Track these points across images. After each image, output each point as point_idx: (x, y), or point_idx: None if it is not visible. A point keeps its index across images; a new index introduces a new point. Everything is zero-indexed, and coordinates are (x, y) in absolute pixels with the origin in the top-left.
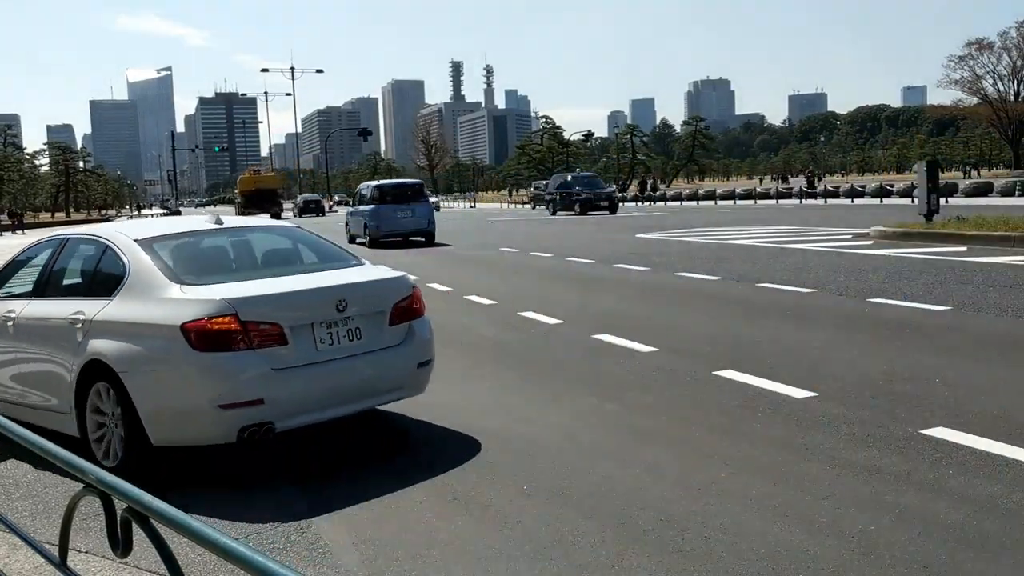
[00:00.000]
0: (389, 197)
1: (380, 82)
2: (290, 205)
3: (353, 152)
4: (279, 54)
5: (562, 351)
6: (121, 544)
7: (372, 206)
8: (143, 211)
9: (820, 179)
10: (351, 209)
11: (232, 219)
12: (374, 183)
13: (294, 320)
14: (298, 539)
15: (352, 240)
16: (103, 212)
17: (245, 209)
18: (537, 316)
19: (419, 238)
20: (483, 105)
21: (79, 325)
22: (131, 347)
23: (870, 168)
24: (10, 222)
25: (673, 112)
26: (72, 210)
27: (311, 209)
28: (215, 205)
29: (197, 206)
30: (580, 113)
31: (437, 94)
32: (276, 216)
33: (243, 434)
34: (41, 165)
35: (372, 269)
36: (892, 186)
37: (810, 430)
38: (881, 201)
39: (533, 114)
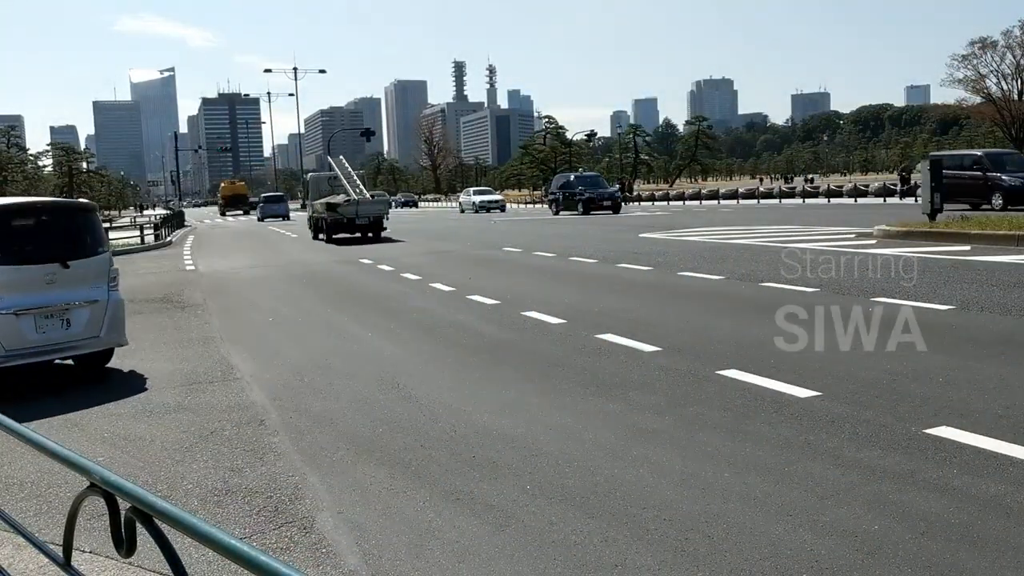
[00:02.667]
0: (267, 200)
1: (383, 82)
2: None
3: (356, 152)
4: (282, 54)
5: (565, 351)
6: (125, 544)
7: (261, 204)
8: (145, 211)
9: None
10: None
11: None
12: (264, 195)
13: None
14: (301, 539)
15: (261, 219)
16: (106, 213)
17: (225, 207)
18: (540, 316)
19: (283, 219)
20: (486, 105)
21: None
22: None
23: (874, 167)
24: None
25: (676, 112)
26: None
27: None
28: (206, 206)
29: (194, 206)
30: (583, 113)
31: (440, 94)
32: (246, 212)
33: None
34: (44, 166)
35: None
36: (896, 185)
37: (814, 429)
38: (884, 200)
39: (536, 114)
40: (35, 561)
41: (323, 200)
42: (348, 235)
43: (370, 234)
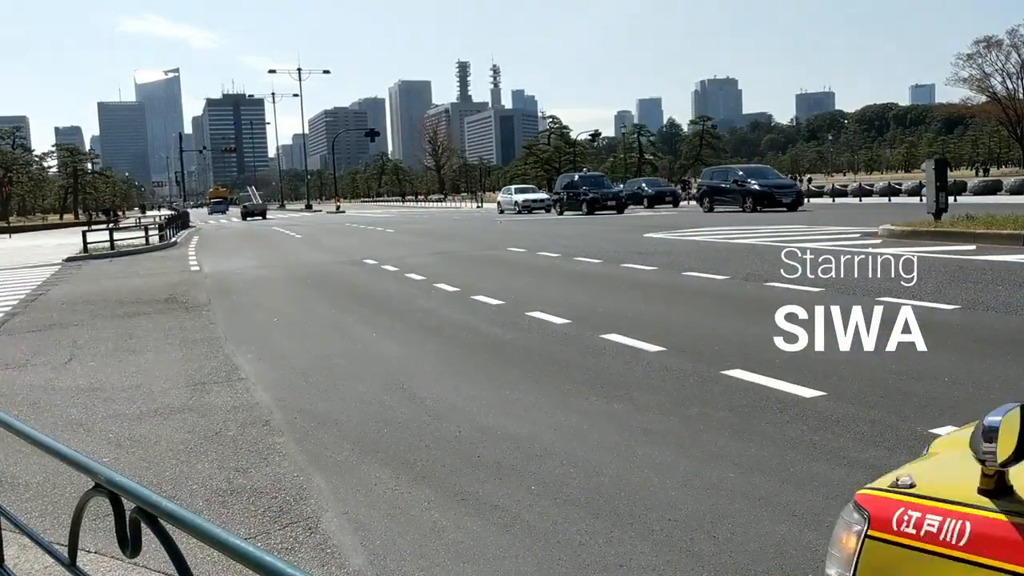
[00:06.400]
0: (215, 202)
1: (387, 82)
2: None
3: (360, 153)
4: (286, 55)
5: (569, 351)
6: (130, 544)
7: (211, 205)
8: (148, 212)
9: None
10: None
11: None
12: (212, 199)
13: None
14: (306, 539)
15: (210, 213)
16: (110, 213)
17: (213, 207)
18: (544, 316)
19: (222, 214)
20: (490, 105)
21: None
22: None
23: (878, 167)
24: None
25: (680, 112)
26: (80, 212)
27: (221, 209)
28: (201, 207)
29: (193, 207)
30: (587, 113)
31: (444, 94)
32: (224, 211)
33: None
34: (50, 167)
35: None
36: (900, 185)
37: (819, 429)
38: (889, 200)
39: (540, 114)
40: (40, 561)
41: (241, 204)
42: (252, 217)
43: (260, 216)
